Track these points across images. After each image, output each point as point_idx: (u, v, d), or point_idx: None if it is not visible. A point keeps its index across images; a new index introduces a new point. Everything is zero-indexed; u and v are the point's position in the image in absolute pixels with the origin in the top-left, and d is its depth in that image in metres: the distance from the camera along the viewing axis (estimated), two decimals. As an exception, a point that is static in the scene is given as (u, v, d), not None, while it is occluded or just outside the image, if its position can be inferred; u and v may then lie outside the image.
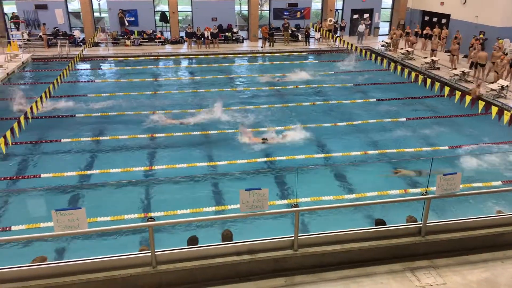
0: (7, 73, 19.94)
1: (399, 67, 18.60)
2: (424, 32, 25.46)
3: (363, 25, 27.74)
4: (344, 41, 24.36)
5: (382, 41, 27.09)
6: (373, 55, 20.59)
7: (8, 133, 11.19)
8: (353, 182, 10.74)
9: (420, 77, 16.95)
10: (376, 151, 12.71)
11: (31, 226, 8.83)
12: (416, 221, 5.80)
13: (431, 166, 5.85)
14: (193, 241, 6.65)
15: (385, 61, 19.62)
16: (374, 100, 17.50)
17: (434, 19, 27.53)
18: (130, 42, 26.43)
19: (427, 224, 5.28)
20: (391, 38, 26.08)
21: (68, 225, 4.48)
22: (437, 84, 16.00)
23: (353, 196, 10.20)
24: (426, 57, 22.04)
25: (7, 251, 8.01)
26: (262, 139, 12.90)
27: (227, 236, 6.60)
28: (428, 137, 13.69)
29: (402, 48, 24.39)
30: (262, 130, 13.88)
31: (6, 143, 10.94)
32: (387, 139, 13.57)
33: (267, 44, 26.84)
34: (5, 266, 4.70)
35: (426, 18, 28.87)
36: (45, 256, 6.32)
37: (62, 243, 8.34)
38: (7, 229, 8.82)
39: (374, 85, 19.53)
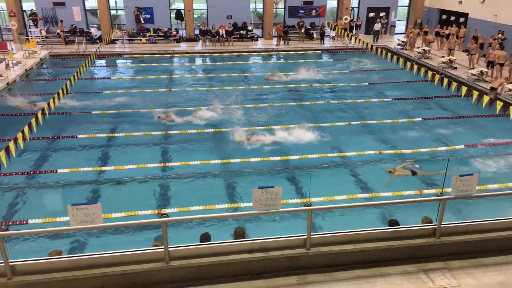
0: (26, 69, 20.29)
1: (415, 66, 18.38)
2: (446, 32, 24.91)
3: (379, 23, 27.48)
4: (359, 39, 24.17)
5: (398, 39, 26.80)
6: (389, 54, 20.39)
7: (26, 129, 11.40)
8: (367, 182, 10.66)
9: (437, 77, 16.73)
10: (391, 151, 12.59)
11: (47, 220, 8.98)
12: (432, 222, 5.74)
13: (447, 166, 5.78)
14: (205, 238, 6.68)
15: (401, 60, 19.41)
16: (390, 99, 17.33)
17: (452, 18, 27.12)
18: (146, 39, 26.65)
19: (442, 226, 5.22)
20: (408, 37, 25.77)
21: (83, 219, 4.55)
22: (454, 84, 15.78)
23: (366, 195, 10.12)
24: (443, 56, 21.74)
25: (23, 244, 8.18)
26: (247, 137, 12.86)
27: (239, 234, 6.63)
28: (444, 137, 13.51)
29: (419, 47, 24.09)
30: (275, 127, 13.87)
31: (24, 139, 11.15)
32: (402, 139, 13.43)
33: (282, 42, 26.79)
34: (22, 259, 4.79)
35: (444, 16, 28.44)
36: (60, 250, 6.44)
37: (77, 238, 8.46)
38: (24, 222, 8.98)
39: (390, 84, 19.36)
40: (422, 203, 8.08)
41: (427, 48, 23.45)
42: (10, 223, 8.93)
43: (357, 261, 5.08)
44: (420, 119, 15.02)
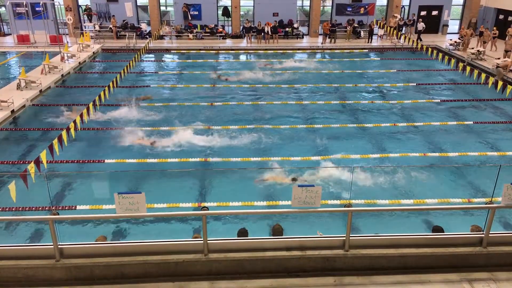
0: (79, 62, 21.24)
1: (468, 68, 17.59)
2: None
3: (422, 22, 26.61)
4: (409, 38, 23.44)
5: (451, 39, 25.74)
6: (440, 54, 19.63)
7: (77, 119, 11.95)
8: (410, 185, 10.35)
9: (491, 79, 15.94)
10: (437, 154, 12.15)
11: (94, 207, 9.39)
12: (481, 231, 5.50)
13: (498, 173, 5.50)
14: (243, 233, 6.76)
15: (452, 60, 18.65)
16: (438, 100, 16.72)
17: (510, 18, 25.71)
18: (193, 35, 27.15)
19: (490, 235, 4.99)
20: (462, 37, 24.68)
21: (128, 207, 4.73)
22: (510, 87, 14.97)
23: (410, 201, 9.81)
24: (499, 58, 20.67)
25: (70, 228, 8.60)
26: (151, 143, 12.65)
27: (277, 231, 6.65)
28: (496, 142, 12.86)
29: (473, 48, 23.02)
30: (316, 126, 13.72)
31: (75, 128, 11.69)
32: (450, 142, 12.92)
33: (328, 40, 26.44)
34: (70, 242, 5.05)
35: (501, 16, 27.02)
36: (104, 236, 6.73)
37: (121, 225, 8.78)
38: (73, 207, 9.44)
39: (439, 85, 18.67)
40: (470, 214, 7.77)
41: (481, 49, 22.37)
42: (60, 207, 9.42)
43: (398, 266, 4.96)
44: (471, 122, 14.37)
